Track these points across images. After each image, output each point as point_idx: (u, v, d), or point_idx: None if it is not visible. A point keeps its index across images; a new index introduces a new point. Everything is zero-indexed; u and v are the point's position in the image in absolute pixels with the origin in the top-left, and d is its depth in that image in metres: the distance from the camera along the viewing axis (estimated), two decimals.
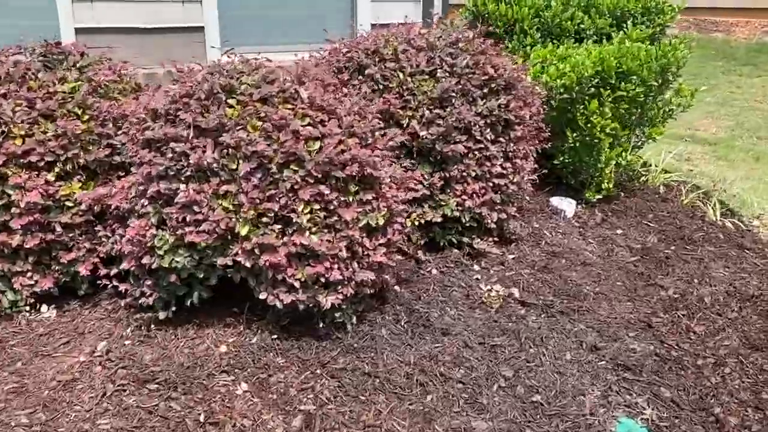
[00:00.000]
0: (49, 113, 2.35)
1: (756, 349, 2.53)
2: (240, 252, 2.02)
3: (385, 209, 2.21)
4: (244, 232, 1.99)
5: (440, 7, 4.94)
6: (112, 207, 2.24)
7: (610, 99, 3.58)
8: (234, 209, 2.01)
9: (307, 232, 2.04)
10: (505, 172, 2.98)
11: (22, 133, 2.24)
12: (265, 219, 2.03)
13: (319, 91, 2.26)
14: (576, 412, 2.05)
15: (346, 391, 2.09)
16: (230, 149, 2.02)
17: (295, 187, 2.01)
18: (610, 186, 3.92)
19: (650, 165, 4.88)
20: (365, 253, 2.19)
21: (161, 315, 2.30)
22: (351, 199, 2.12)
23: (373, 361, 2.27)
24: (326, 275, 2.08)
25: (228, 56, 3.08)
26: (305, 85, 2.31)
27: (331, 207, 2.09)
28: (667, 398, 2.16)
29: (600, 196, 3.90)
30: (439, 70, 2.86)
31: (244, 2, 3.56)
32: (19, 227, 2.20)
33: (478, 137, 2.87)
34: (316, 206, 2.04)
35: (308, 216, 2.03)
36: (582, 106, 3.61)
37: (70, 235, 2.35)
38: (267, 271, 2.07)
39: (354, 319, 2.41)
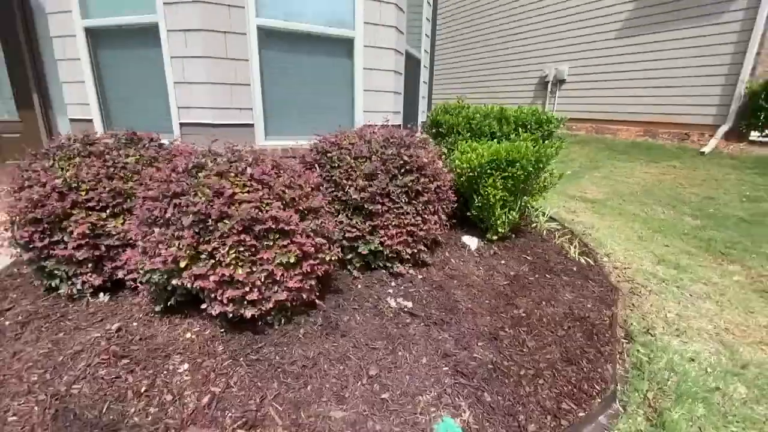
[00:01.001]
0: (111, 176, 2.24)
1: (571, 363, 2.07)
2: (186, 276, 1.80)
3: (298, 251, 1.92)
4: (183, 264, 1.78)
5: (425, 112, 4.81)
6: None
7: (500, 177, 3.35)
8: (180, 248, 1.79)
9: (232, 267, 1.79)
10: (416, 223, 2.63)
11: (88, 188, 2.15)
12: (203, 256, 1.80)
13: (261, 169, 2.00)
14: (411, 410, 1.70)
15: (251, 377, 1.79)
16: (182, 207, 1.81)
17: (224, 235, 1.78)
18: (504, 230, 3.56)
19: (545, 214, 4.57)
20: (283, 280, 1.90)
21: (156, 308, 2.12)
22: (272, 244, 1.86)
23: (282, 355, 1.95)
24: (246, 296, 1.83)
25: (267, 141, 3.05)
26: (262, 164, 2.07)
27: (253, 249, 1.84)
28: (487, 403, 1.76)
29: (496, 237, 3.57)
30: (373, 156, 2.59)
31: (279, 109, 3.52)
32: (73, 247, 2.09)
33: (396, 200, 2.52)
34: (241, 248, 1.79)
35: (234, 255, 1.79)
36: (481, 181, 3.25)
37: (113, 252, 2.22)
38: (204, 291, 1.85)
39: (282, 321, 2.12)
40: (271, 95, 3.38)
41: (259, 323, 2.06)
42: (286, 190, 1.96)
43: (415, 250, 2.72)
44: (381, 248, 2.59)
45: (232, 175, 1.92)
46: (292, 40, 3.36)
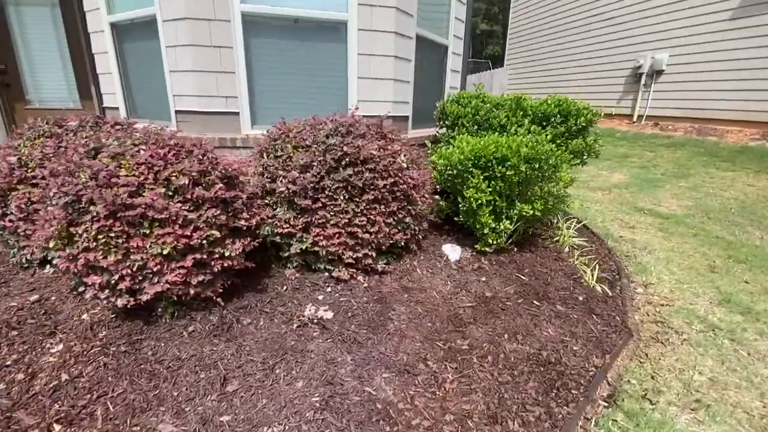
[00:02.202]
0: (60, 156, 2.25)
1: (495, 421, 1.56)
2: (61, 257, 1.73)
3: (176, 242, 1.75)
4: (51, 244, 1.74)
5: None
6: None
7: (485, 177, 2.77)
8: (53, 228, 1.73)
9: (101, 252, 1.69)
10: (361, 224, 2.29)
11: (35, 165, 2.25)
12: (76, 238, 1.72)
13: (151, 153, 1.85)
14: None
15: (107, 370, 1.68)
16: (61, 187, 1.71)
17: (94, 218, 1.68)
18: (499, 242, 3.02)
19: (569, 228, 3.77)
20: (161, 272, 1.76)
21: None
22: (149, 232, 1.73)
23: (156, 351, 1.81)
24: (118, 285, 1.74)
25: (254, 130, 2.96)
26: (154, 148, 1.91)
27: (125, 236, 1.72)
28: None
29: (489, 249, 2.99)
30: (314, 145, 2.35)
31: (267, 97, 3.45)
32: (18, 218, 2.23)
33: (333, 196, 2.33)
34: (112, 234, 1.69)
35: (103, 240, 1.69)
36: (463, 181, 2.74)
37: None
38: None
39: (175, 315, 1.99)
40: (258, 83, 3.32)
41: (153, 314, 1.98)
42: (178, 177, 1.81)
43: (359, 255, 2.39)
44: (316, 248, 2.32)
45: (128, 157, 1.85)
46: (279, 25, 3.25)
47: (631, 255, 3.45)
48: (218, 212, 1.90)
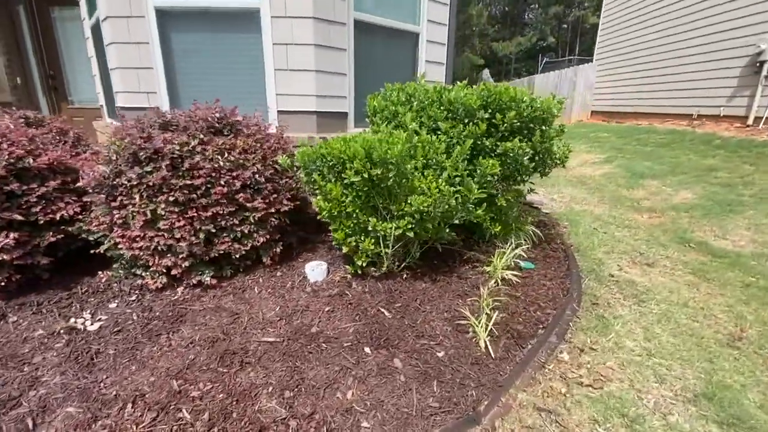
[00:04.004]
0: None
1: None
2: None
3: None
4: None
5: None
6: None
7: (336, 184, 2.20)
8: None
9: None
10: (163, 227, 2.08)
11: None
12: None
13: None
14: None
15: None
16: None
17: None
18: (380, 265, 2.40)
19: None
20: None
21: None
22: None
23: None
24: None
25: None
26: None
27: None
28: None
29: (359, 271, 2.37)
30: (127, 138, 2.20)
31: (188, 92, 3.38)
32: None
33: (131, 195, 2.07)
34: None
35: None
36: (315, 186, 2.21)
37: None
38: None
39: None
40: (178, 78, 3.26)
41: None
42: None
43: (169, 263, 2.10)
44: (120, 250, 2.11)
45: None
46: (192, 18, 3.14)
47: (602, 303, 2.48)
48: None
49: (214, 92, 3.28)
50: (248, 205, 2.14)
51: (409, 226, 2.08)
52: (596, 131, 9.20)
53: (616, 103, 10.42)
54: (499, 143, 2.39)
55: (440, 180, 2.02)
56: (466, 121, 2.46)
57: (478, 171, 2.30)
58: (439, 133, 2.42)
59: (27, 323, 1.93)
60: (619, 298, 2.57)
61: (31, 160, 2.03)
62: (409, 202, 2.04)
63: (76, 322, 1.92)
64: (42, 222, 2.05)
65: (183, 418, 1.48)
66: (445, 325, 2.08)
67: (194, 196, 2.03)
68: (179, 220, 2.02)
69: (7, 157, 1.94)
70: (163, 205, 2.00)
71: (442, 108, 2.52)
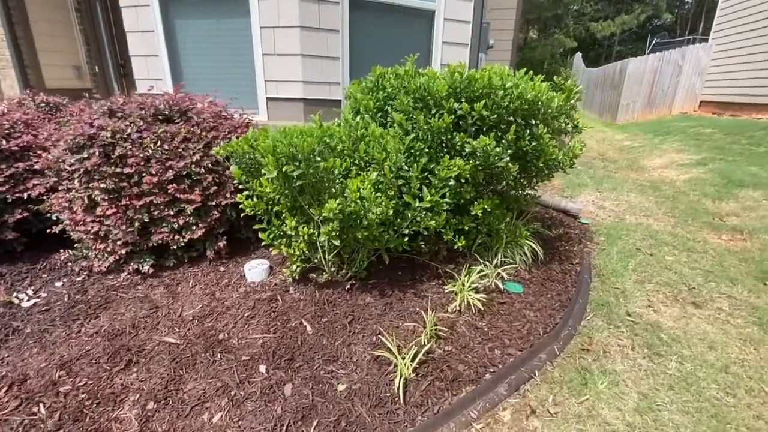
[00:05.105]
0: None
1: None
2: None
3: None
4: None
5: None
6: None
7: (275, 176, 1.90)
8: None
9: None
10: (100, 213, 2.08)
11: None
12: None
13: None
14: None
15: None
16: None
17: None
18: (328, 273, 2.13)
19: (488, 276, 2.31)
20: None
21: None
22: None
23: None
24: None
25: None
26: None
27: None
28: None
29: (296, 276, 2.14)
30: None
31: (193, 80, 3.42)
32: None
33: (72, 178, 2.10)
34: None
35: None
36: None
37: None
38: None
39: None
40: (186, 65, 3.31)
41: None
42: None
43: (109, 248, 2.12)
44: (72, 232, 2.18)
45: None
46: (192, 3, 3.12)
47: (597, 350, 1.94)
48: None
49: (212, 79, 3.30)
50: (180, 196, 2.06)
51: (334, 233, 1.79)
52: (699, 125, 7.58)
53: (732, 92, 8.47)
54: (469, 140, 1.96)
55: (365, 182, 1.69)
56: (434, 112, 2.06)
57: (436, 173, 1.91)
58: (395, 126, 2.06)
59: None
60: (625, 347, 1.98)
61: (4, 142, 2.19)
62: (335, 197, 1.76)
63: (18, 297, 2.04)
64: (10, 200, 2.21)
65: (38, 413, 1.44)
66: (366, 351, 1.78)
67: (125, 184, 2.01)
68: (111, 208, 2.02)
69: None
70: (97, 192, 2.01)
71: (409, 97, 2.15)
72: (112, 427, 1.41)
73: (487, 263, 2.35)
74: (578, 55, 16.18)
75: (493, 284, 2.26)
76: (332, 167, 1.67)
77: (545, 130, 1.93)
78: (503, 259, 2.44)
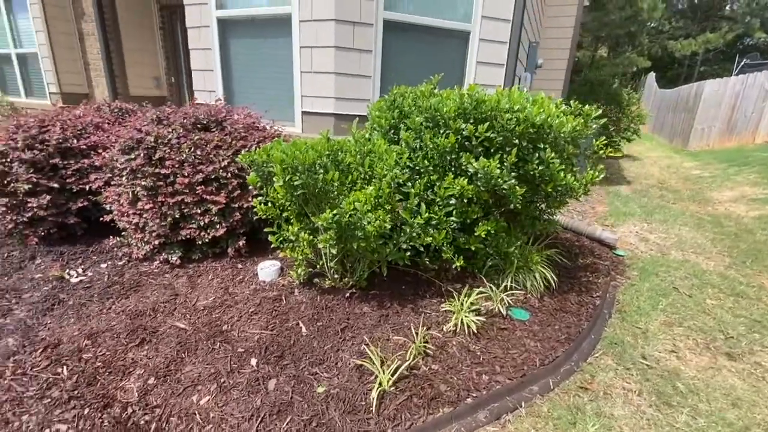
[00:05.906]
0: None
1: None
2: None
3: None
4: None
5: None
6: None
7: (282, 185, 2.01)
8: None
9: None
10: (141, 207, 2.37)
11: None
12: None
13: None
14: None
15: None
16: None
17: None
18: (333, 278, 2.20)
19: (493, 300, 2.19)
20: None
21: None
22: None
23: None
24: None
25: None
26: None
27: None
28: None
29: (300, 279, 2.25)
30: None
31: (241, 94, 3.73)
32: None
33: (121, 176, 2.40)
34: None
35: None
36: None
37: None
38: None
39: None
40: (235, 79, 3.65)
41: None
42: None
43: (146, 238, 2.40)
44: (119, 221, 2.50)
45: None
46: (243, 25, 3.44)
47: (596, 390, 1.83)
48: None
49: (257, 92, 3.60)
50: (207, 197, 2.29)
51: (331, 241, 1.90)
52: None
53: None
54: (471, 161, 1.98)
55: (362, 196, 1.78)
56: (442, 131, 2.11)
57: (438, 192, 1.96)
58: (402, 144, 2.14)
59: (44, 266, 2.48)
60: (631, 391, 1.85)
61: (75, 141, 2.59)
62: (332, 205, 1.87)
63: (69, 273, 2.38)
64: (75, 190, 2.60)
65: (61, 373, 1.69)
66: (352, 358, 1.84)
67: (161, 183, 2.27)
68: (149, 203, 2.30)
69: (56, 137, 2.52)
70: (139, 188, 2.30)
71: (422, 116, 2.21)
72: (116, 395, 1.60)
73: (492, 287, 2.31)
74: (651, 75, 15.10)
75: (497, 308, 2.21)
76: (332, 179, 1.78)
77: (552, 155, 1.89)
78: (512, 284, 2.38)
